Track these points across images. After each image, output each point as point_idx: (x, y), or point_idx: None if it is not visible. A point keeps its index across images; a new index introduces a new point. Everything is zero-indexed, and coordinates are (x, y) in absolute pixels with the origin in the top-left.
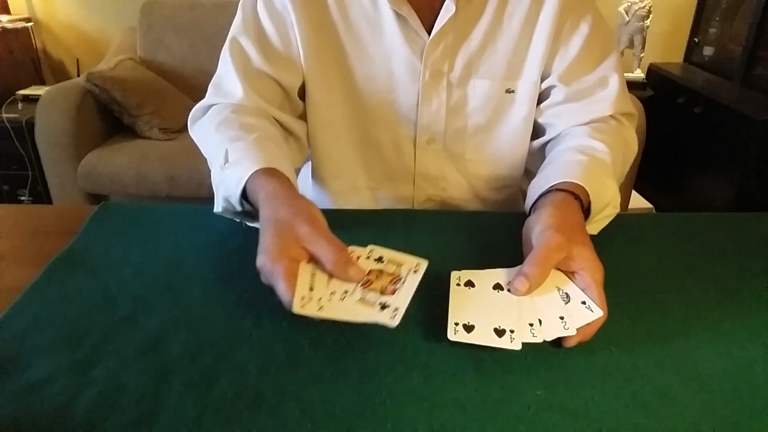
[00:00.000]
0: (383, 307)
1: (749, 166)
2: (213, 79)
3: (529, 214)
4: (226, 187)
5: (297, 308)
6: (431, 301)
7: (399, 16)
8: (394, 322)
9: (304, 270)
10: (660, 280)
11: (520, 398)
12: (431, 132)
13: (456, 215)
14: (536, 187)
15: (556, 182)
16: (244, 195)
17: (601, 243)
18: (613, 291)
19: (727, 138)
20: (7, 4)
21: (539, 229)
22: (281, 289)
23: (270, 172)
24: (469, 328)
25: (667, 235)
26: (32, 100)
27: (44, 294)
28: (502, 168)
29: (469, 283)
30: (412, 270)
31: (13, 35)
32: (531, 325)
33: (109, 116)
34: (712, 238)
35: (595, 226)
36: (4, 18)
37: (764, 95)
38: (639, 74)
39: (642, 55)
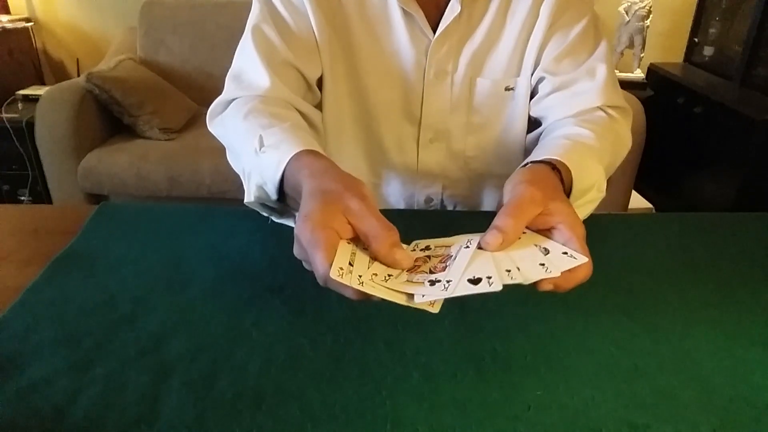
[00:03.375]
0: (433, 283)
1: (749, 166)
2: (230, 72)
3: None
4: (262, 172)
5: (334, 274)
6: None
7: (406, 14)
8: (447, 293)
9: (344, 248)
10: (660, 280)
11: (520, 398)
12: (434, 130)
13: (455, 215)
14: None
15: (535, 159)
16: (281, 183)
17: (601, 243)
18: (614, 291)
19: (727, 138)
20: (7, 4)
21: (510, 186)
22: (318, 259)
23: (314, 153)
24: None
25: (667, 235)
26: (32, 100)
27: (44, 294)
28: (503, 164)
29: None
30: (463, 246)
31: (13, 35)
32: (508, 271)
33: (109, 116)
34: (712, 238)
35: (581, 210)
36: (4, 18)
37: (764, 95)
38: (639, 74)
39: (642, 55)
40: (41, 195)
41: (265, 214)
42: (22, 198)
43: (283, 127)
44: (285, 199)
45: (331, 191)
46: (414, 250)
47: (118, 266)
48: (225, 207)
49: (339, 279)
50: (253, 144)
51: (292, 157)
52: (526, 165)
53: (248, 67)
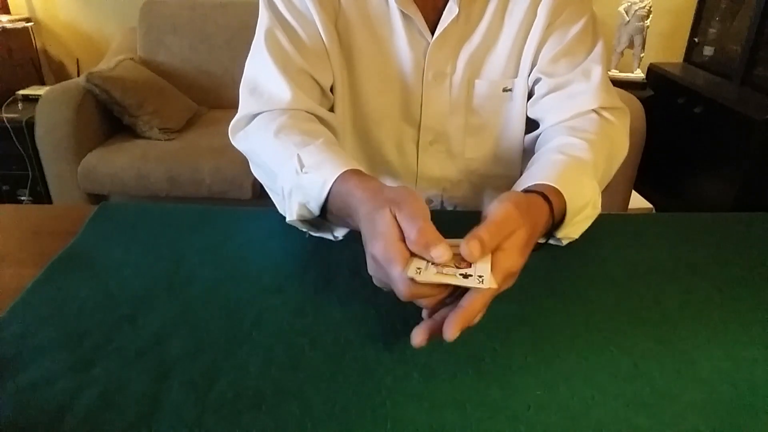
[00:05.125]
0: (465, 276)
1: (749, 166)
2: (246, 82)
3: None
4: (305, 192)
5: (411, 272)
6: None
7: (405, 17)
8: (484, 286)
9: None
10: (660, 280)
11: (520, 398)
12: (434, 133)
13: (455, 215)
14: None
15: (530, 185)
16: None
17: (601, 243)
18: (614, 291)
19: (727, 138)
20: (7, 4)
21: (498, 200)
22: (395, 272)
23: (358, 173)
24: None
25: (667, 235)
26: (32, 100)
27: (44, 294)
28: (501, 165)
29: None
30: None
31: (13, 35)
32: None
33: (109, 116)
34: (712, 238)
35: (575, 229)
36: (4, 18)
37: (764, 95)
38: (639, 74)
39: (642, 55)
40: (41, 195)
41: (304, 230)
42: (22, 198)
43: (317, 144)
44: (325, 215)
45: (378, 205)
46: None
47: (118, 266)
48: (225, 207)
49: (417, 277)
50: (291, 164)
51: (337, 178)
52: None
53: (265, 77)
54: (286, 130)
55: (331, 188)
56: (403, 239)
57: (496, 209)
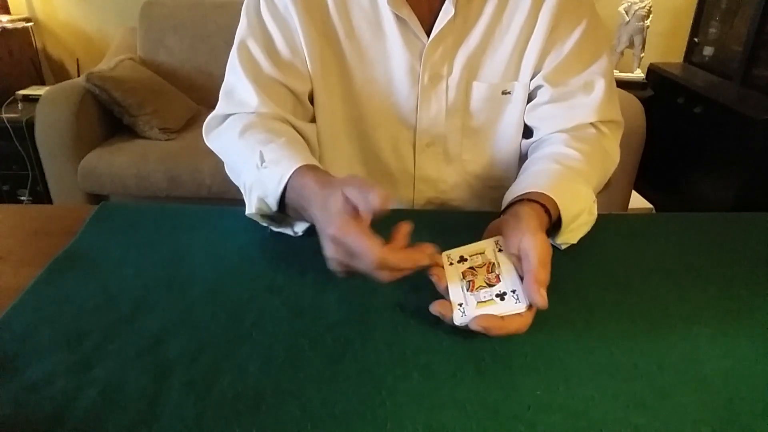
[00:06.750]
0: (501, 297)
1: (749, 166)
2: (223, 86)
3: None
4: (264, 186)
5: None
6: (431, 300)
7: (399, 19)
8: (522, 305)
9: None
10: (660, 280)
11: (520, 398)
12: (431, 135)
13: (455, 215)
14: (510, 194)
15: (528, 191)
16: (283, 195)
17: (601, 243)
18: (614, 291)
19: (727, 138)
20: (7, 4)
21: (528, 233)
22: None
23: (314, 168)
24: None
25: (667, 235)
26: (32, 100)
27: (44, 294)
28: (499, 167)
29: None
30: (496, 251)
31: (13, 35)
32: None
33: (109, 116)
34: (712, 238)
35: (572, 235)
36: (4, 18)
37: (764, 95)
38: (639, 74)
39: (642, 55)
40: (41, 195)
41: (264, 224)
42: (22, 198)
43: (280, 142)
44: (284, 209)
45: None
46: (451, 263)
47: (118, 266)
48: (225, 207)
49: (463, 318)
50: (253, 159)
51: (293, 173)
52: (521, 199)
53: (238, 84)
54: (252, 128)
55: (287, 183)
56: (358, 216)
57: (535, 247)
